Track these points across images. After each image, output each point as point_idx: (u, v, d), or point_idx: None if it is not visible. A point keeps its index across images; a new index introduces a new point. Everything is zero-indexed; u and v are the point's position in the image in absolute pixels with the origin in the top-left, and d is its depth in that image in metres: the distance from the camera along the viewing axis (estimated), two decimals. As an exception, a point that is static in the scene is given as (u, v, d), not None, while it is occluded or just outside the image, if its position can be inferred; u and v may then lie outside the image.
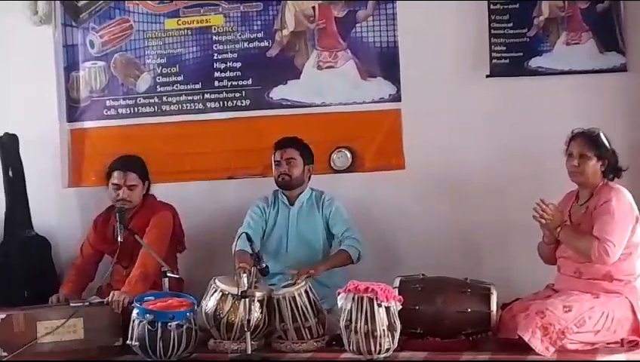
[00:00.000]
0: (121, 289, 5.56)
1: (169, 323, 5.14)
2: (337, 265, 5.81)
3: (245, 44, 6.60)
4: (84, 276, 6.06)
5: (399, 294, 5.13)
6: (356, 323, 4.97)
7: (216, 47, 6.64)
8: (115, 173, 5.96)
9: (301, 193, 6.04)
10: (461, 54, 6.28)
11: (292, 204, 6.03)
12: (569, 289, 5.15)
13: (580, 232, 5.18)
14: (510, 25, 6.22)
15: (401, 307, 5.06)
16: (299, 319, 5.34)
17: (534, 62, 6.19)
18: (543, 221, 5.20)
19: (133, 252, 5.82)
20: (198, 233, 6.45)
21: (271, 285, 5.69)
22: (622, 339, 5.09)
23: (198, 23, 6.66)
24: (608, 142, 5.22)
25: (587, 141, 5.24)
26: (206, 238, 6.50)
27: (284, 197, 6.05)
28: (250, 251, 5.40)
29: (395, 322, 5.02)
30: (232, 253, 5.62)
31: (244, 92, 6.59)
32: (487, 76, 6.23)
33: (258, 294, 5.33)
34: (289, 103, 6.54)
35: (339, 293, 5.09)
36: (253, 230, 5.88)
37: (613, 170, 5.23)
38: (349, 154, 6.44)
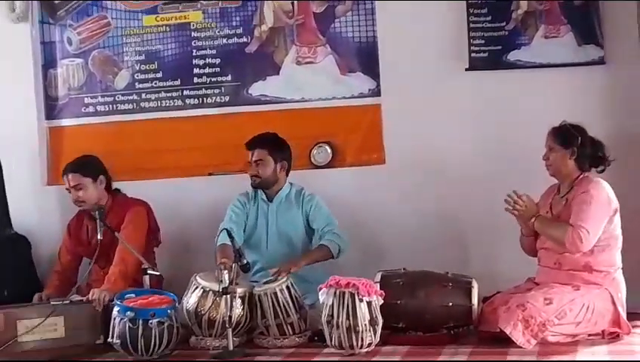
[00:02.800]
0: (101, 287, 5.54)
1: (150, 321, 5.12)
2: (318, 259, 5.79)
3: (224, 40, 6.59)
4: (65, 282, 6.03)
5: (381, 289, 5.14)
6: (338, 318, 4.97)
7: (194, 43, 6.62)
8: (64, 179, 5.98)
9: (280, 189, 6.01)
10: (440, 48, 6.28)
11: (271, 201, 6.01)
12: (549, 281, 5.18)
13: (555, 221, 5.22)
14: (489, 18, 6.23)
15: (382, 301, 5.07)
16: (281, 315, 5.34)
17: (513, 56, 6.20)
18: (515, 212, 5.23)
19: (110, 251, 5.79)
20: (177, 230, 6.45)
21: (252, 281, 5.69)
22: (603, 331, 5.12)
23: (176, 19, 6.65)
24: (581, 132, 5.25)
25: (552, 133, 5.33)
26: (186, 235, 6.50)
27: (263, 193, 6.03)
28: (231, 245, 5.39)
29: (376, 317, 5.03)
30: (215, 250, 5.62)
31: (223, 88, 6.58)
32: (467, 70, 6.23)
33: (239, 290, 5.32)
34: (268, 99, 6.53)
35: (320, 289, 5.10)
36: (236, 224, 5.87)
37: (588, 160, 5.26)
38: (329, 150, 6.43)
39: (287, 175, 6.04)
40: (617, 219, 5.22)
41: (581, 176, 5.27)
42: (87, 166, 5.97)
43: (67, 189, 5.96)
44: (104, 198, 5.96)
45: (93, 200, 5.93)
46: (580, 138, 5.24)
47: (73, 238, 6.08)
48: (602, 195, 5.16)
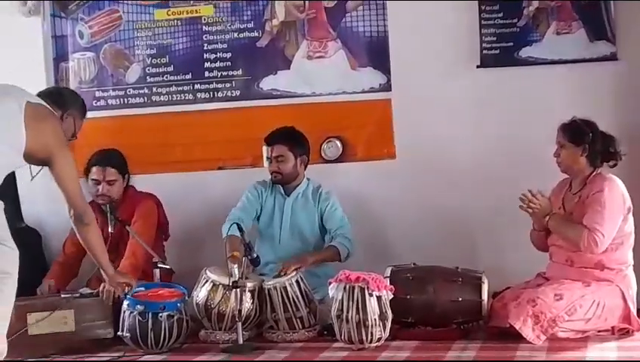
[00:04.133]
0: (111, 281, 5.55)
1: (160, 314, 5.14)
2: (326, 259, 5.80)
3: (235, 35, 6.59)
4: (67, 272, 6.05)
5: (390, 283, 5.14)
6: (347, 312, 4.97)
7: (206, 37, 6.62)
8: (94, 169, 5.94)
9: (298, 184, 6.01)
10: (451, 44, 6.27)
11: (288, 195, 6.01)
12: (560, 278, 5.17)
13: (570, 221, 5.21)
14: (500, 15, 6.22)
15: (392, 296, 5.07)
16: (290, 309, 5.35)
17: (525, 52, 6.20)
18: (530, 211, 5.22)
19: (119, 245, 5.80)
20: (187, 223, 6.46)
21: (263, 274, 5.69)
22: (613, 327, 5.12)
23: (187, 13, 6.65)
24: (592, 127, 5.23)
25: (563, 129, 5.30)
26: (196, 229, 6.50)
27: (280, 187, 6.03)
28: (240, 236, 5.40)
29: (386, 311, 5.03)
30: (222, 236, 5.63)
31: (234, 82, 6.58)
32: (478, 66, 6.23)
33: (249, 284, 5.33)
34: (279, 93, 6.53)
35: (330, 283, 5.10)
36: (247, 212, 5.90)
37: (600, 155, 5.23)
38: (339, 144, 6.43)
39: (305, 169, 6.05)
40: (630, 216, 5.21)
41: (594, 173, 5.25)
42: (123, 162, 6.00)
43: (94, 181, 5.92)
44: (121, 195, 5.99)
45: (117, 198, 5.94)
46: (590, 134, 5.22)
47: None
48: (617, 195, 5.14)
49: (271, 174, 5.97)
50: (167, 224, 6.15)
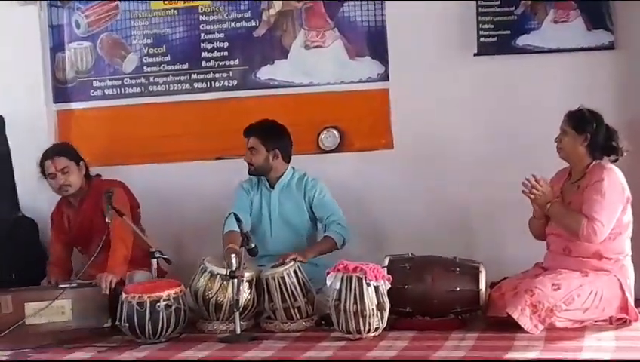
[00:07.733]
0: (106, 270, 5.53)
1: (157, 304, 5.13)
2: (323, 251, 5.78)
3: (232, 24, 6.58)
4: (63, 270, 6.01)
5: (388, 273, 5.14)
6: (345, 302, 4.97)
7: (203, 27, 6.61)
8: (46, 164, 5.94)
9: (280, 176, 5.98)
10: (449, 33, 6.26)
11: (273, 188, 5.99)
12: (558, 267, 5.16)
13: (570, 209, 5.20)
14: (498, 3, 6.21)
15: (390, 286, 5.07)
16: (288, 299, 5.35)
17: (522, 41, 6.18)
18: (532, 196, 5.22)
19: (93, 236, 5.77)
20: (185, 214, 6.46)
21: (260, 265, 5.69)
22: (610, 317, 5.12)
23: (184, 2, 6.65)
24: (597, 119, 5.22)
25: (568, 116, 5.29)
26: (193, 219, 6.50)
27: (265, 181, 6.01)
28: (239, 231, 5.38)
29: (384, 301, 5.03)
30: (222, 236, 5.62)
31: (231, 72, 6.58)
32: (475, 55, 6.22)
33: (247, 274, 5.33)
34: (276, 83, 6.52)
35: (328, 273, 5.09)
36: (242, 210, 5.87)
37: (600, 148, 5.22)
38: (337, 134, 6.43)
39: (287, 161, 5.99)
40: (629, 207, 5.20)
41: (594, 163, 5.24)
42: (71, 150, 5.99)
43: (50, 175, 5.91)
44: (83, 184, 5.96)
45: (78, 185, 5.92)
46: (594, 124, 5.21)
47: (56, 228, 6.10)
48: (616, 185, 5.13)
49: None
50: (138, 206, 6.11)
